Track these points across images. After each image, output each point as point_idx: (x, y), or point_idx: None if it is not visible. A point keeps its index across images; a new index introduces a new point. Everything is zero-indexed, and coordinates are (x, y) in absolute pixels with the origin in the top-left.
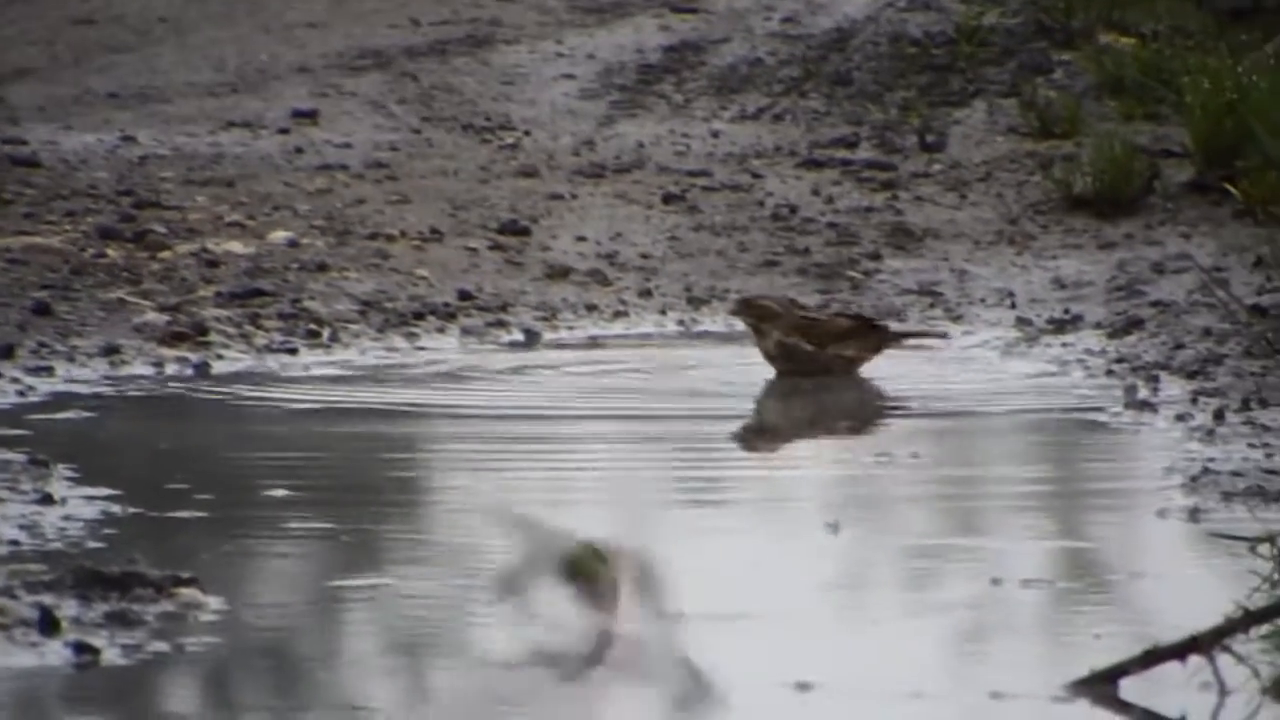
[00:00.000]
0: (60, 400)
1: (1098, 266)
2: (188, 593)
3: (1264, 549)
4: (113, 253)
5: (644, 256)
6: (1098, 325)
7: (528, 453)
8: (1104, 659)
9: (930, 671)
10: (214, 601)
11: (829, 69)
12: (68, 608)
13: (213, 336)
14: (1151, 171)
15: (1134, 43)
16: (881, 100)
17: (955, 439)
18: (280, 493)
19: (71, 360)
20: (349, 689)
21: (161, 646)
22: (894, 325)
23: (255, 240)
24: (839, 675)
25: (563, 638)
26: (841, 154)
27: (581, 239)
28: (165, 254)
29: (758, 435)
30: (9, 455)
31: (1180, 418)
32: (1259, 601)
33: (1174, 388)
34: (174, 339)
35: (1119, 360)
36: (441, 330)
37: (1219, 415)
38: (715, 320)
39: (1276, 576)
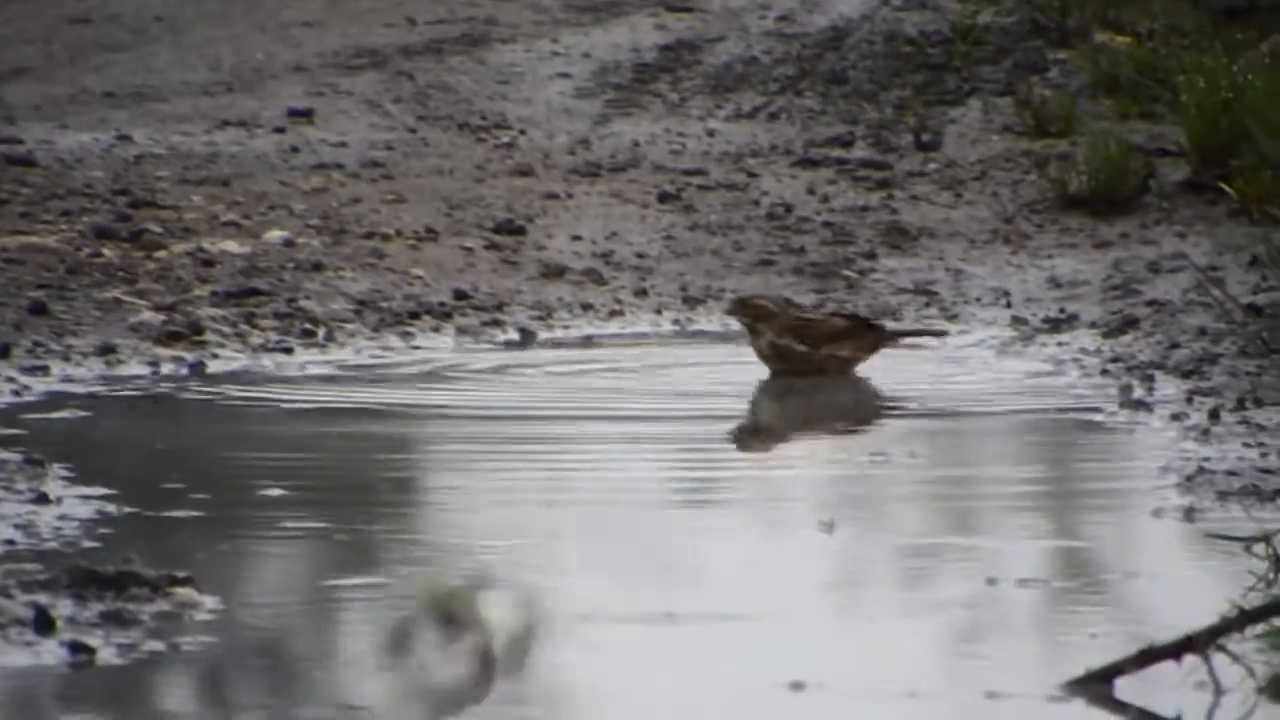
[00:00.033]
0: (56, 400)
1: (1093, 266)
2: (183, 592)
3: (1259, 548)
4: (108, 252)
5: (639, 256)
6: (1093, 324)
7: (522, 453)
8: (1099, 658)
9: (925, 671)
10: (209, 601)
11: (824, 68)
12: (63, 607)
13: (208, 336)
14: (1147, 170)
15: (1129, 41)
16: (877, 99)
17: (950, 438)
18: (275, 492)
19: (67, 360)
20: (343, 688)
21: (157, 646)
22: (890, 324)
23: (251, 240)
24: (834, 675)
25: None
26: (837, 153)
27: (577, 238)
28: (161, 253)
29: (753, 435)
30: (4, 455)
31: (1175, 417)
32: (1254, 601)
33: (1169, 387)
34: (169, 338)
35: (1114, 360)
36: (437, 330)
37: (1214, 415)
38: (711, 319)
39: (1271, 576)
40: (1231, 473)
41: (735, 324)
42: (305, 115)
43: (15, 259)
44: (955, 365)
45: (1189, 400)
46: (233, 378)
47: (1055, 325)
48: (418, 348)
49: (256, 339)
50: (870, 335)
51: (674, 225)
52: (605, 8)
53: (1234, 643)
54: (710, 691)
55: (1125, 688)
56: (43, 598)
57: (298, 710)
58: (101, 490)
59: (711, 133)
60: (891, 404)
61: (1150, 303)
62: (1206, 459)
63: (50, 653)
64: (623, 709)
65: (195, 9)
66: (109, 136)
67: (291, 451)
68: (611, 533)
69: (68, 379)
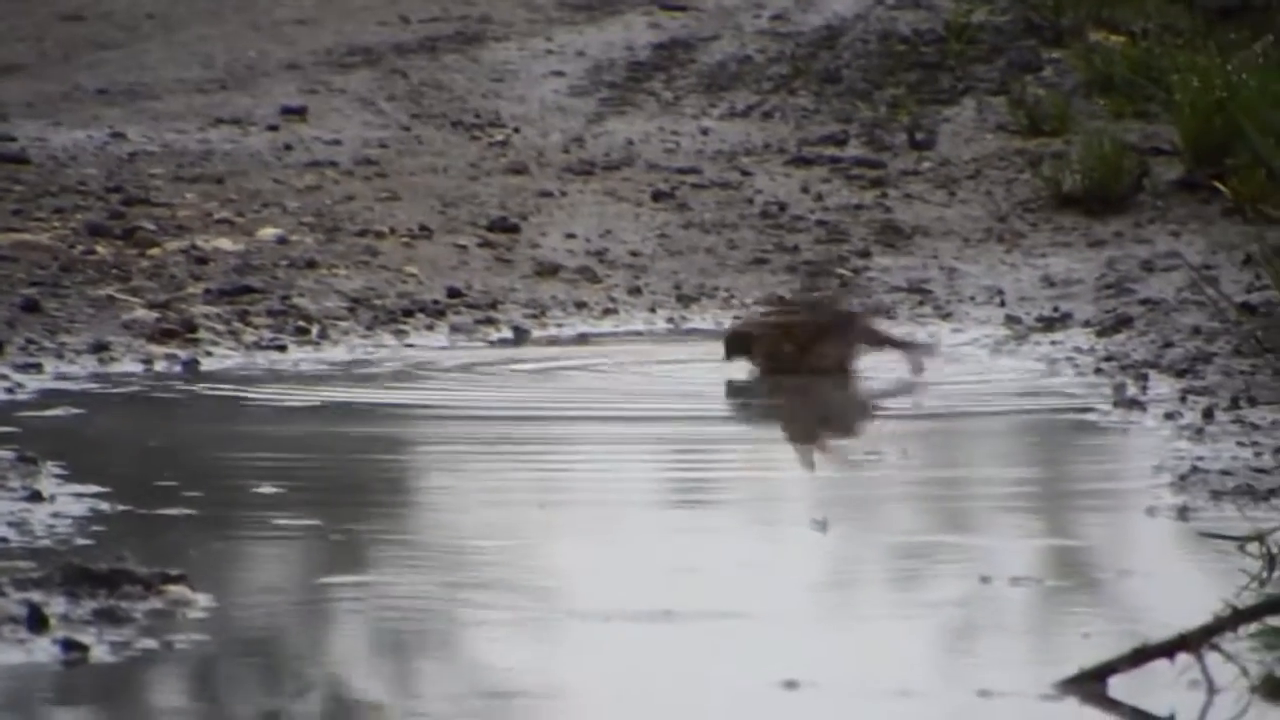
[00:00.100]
0: (49, 397)
1: (1087, 264)
2: (176, 590)
3: (1253, 547)
4: (102, 250)
5: (633, 254)
6: (1087, 323)
7: (516, 453)
8: (1093, 657)
9: (918, 670)
10: (202, 599)
11: (818, 66)
12: (56, 605)
13: (202, 333)
14: (1141, 169)
15: (1123, 41)
16: (871, 98)
17: (944, 437)
18: (269, 490)
19: (60, 357)
20: (337, 686)
21: (150, 644)
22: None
23: (244, 237)
24: (826, 674)
25: None
26: (831, 151)
27: (571, 236)
28: (154, 251)
29: (745, 434)
30: None
31: (1169, 416)
32: (1248, 600)
33: (1163, 386)
34: (163, 336)
35: (1108, 358)
36: (430, 328)
37: (1208, 414)
38: (705, 318)
39: (1265, 575)
40: (1225, 472)
41: (729, 323)
42: (299, 113)
43: (8, 256)
44: (949, 364)
45: (1183, 399)
46: (226, 375)
47: (1049, 324)
48: (411, 346)
49: (250, 337)
50: (856, 328)
51: (668, 224)
52: (599, 6)
53: (1228, 642)
54: (703, 690)
55: (1119, 686)
56: (36, 595)
57: (290, 708)
58: (95, 488)
59: (705, 131)
60: (884, 403)
61: (1144, 302)
62: (1200, 458)
63: (43, 650)
64: (616, 707)
65: (188, 6)
66: (102, 134)
67: (285, 449)
68: (605, 532)
69: (61, 376)
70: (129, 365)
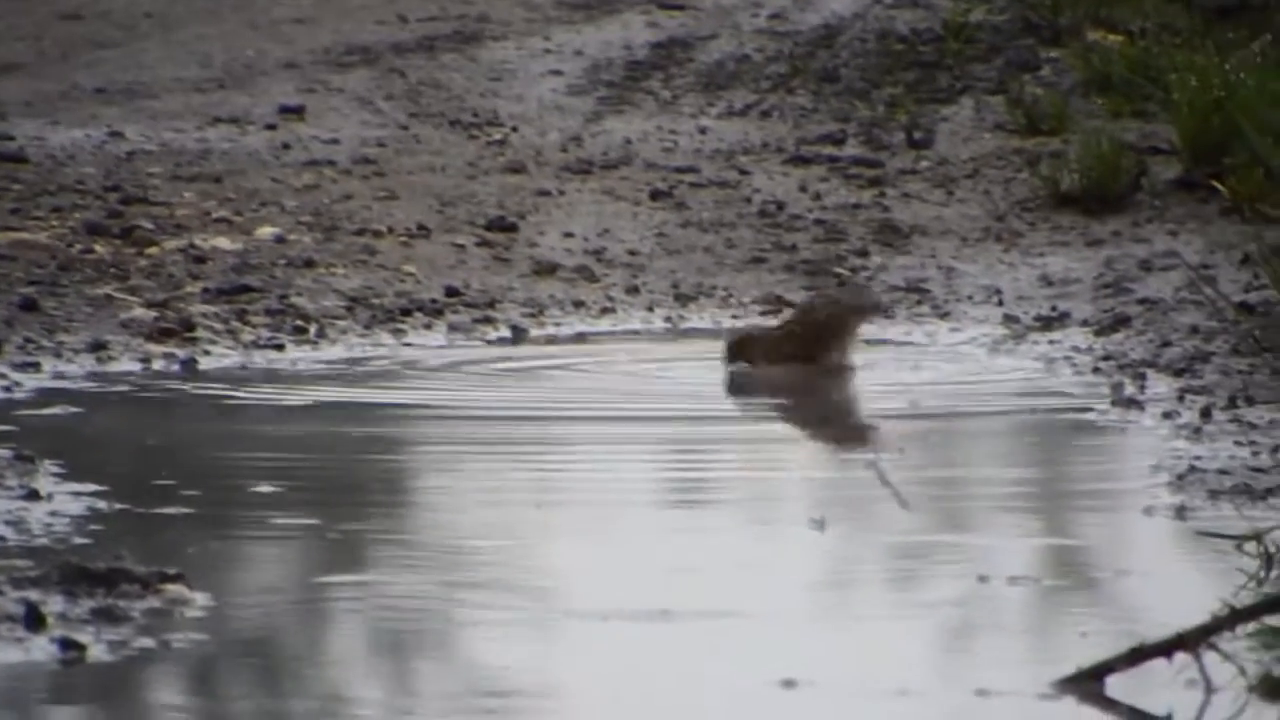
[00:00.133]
0: (47, 396)
1: (1085, 264)
2: (174, 589)
3: (1250, 547)
4: (100, 249)
5: (631, 253)
6: (1085, 323)
7: (514, 452)
8: (1090, 656)
9: (916, 669)
10: (200, 598)
11: (816, 66)
12: (53, 604)
13: (200, 332)
14: (1139, 169)
15: (1121, 40)
16: (869, 97)
17: (942, 436)
18: (266, 489)
19: (58, 356)
20: (334, 685)
21: (147, 642)
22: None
23: (242, 236)
24: (824, 673)
25: None
26: (829, 150)
27: (569, 235)
28: (152, 250)
29: (742, 433)
30: None
31: (1167, 415)
32: (1245, 599)
33: (1161, 385)
34: (161, 335)
35: (1106, 358)
36: (428, 327)
37: (1206, 413)
38: (702, 317)
39: (1263, 574)
40: (1223, 471)
41: (727, 321)
42: (297, 112)
43: (6, 255)
44: (947, 363)
45: (1181, 398)
46: (224, 374)
47: (1047, 323)
48: (409, 345)
49: (248, 336)
50: (852, 318)
51: (666, 223)
52: (597, 5)
53: (1225, 641)
54: (702, 690)
55: (1116, 686)
56: (33, 594)
57: (287, 706)
58: (92, 487)
59: (703, 130)
60: (882, 402)
61: (1142, 301)
62: (1198, 457)
63: (41, 649)
64: (614, 707)
65: (186, 6)
66: (100, 133)
67: (283, 449)
68: (603, 532)
69: (59, 375)
70: (127, 364)
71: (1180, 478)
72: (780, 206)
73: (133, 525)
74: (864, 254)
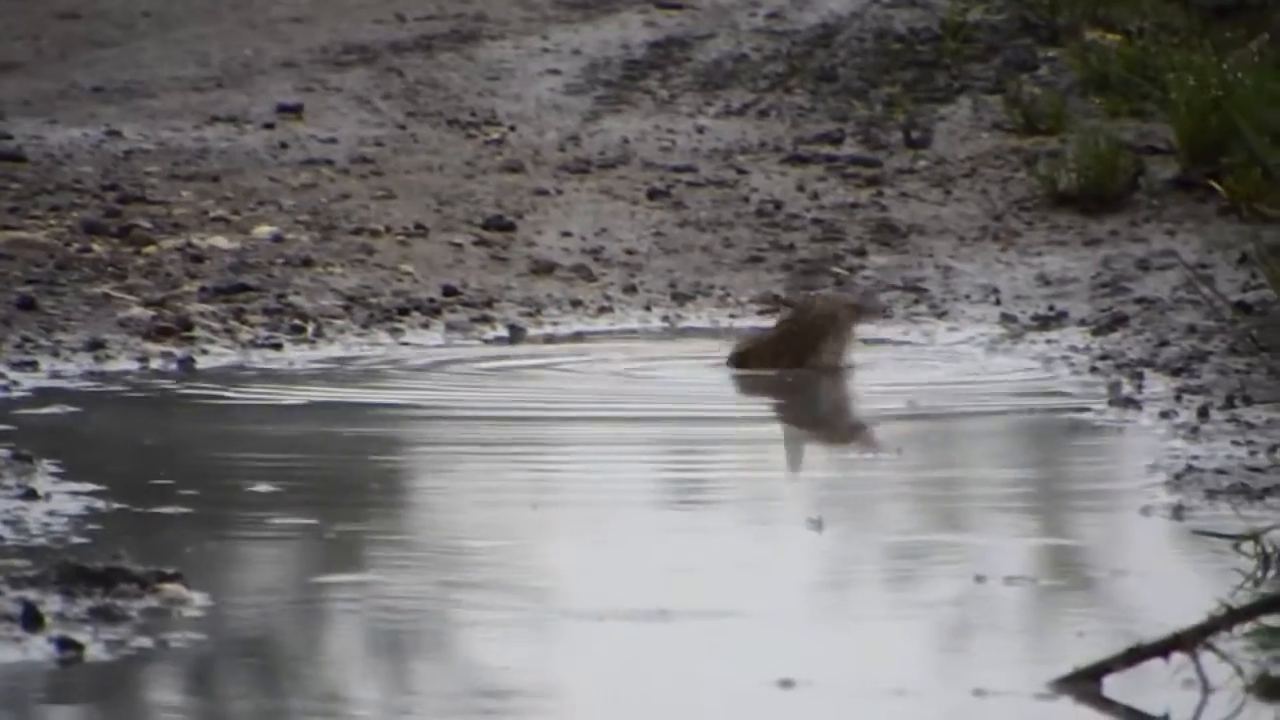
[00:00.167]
0: (44, 395)
1: (1082, 263)
2: (172, 588)
3: (1248, 546)
4: (97, 247)
5: (629, 252)
6: (1082, 322)
7: (511, 453)
8: (1087, 656)
9: (913, 669)
10: (198, 597)
11: (814, 65)
12: (51, 603)
13: (197, 332)
14: (1136, 168)
15: (1119, 39)
16: (866, 96)
17: (939, 436)
18: (265, 489)
19: (56, 355)
20: (332, 685)
21: (145, 642)
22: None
23: (240, 235)
24: (822, 673)
25: None
26: (826, 150)
27: (566, 235)
28: (150, 249)
29: (740, 433)
30: None
31: (1164, 415)
32: (1243, 599)
33: (1158, 385)
34: (159, 334)
35: (1103, 357)
36: (426, 326)
37: (1203, 412)
38: (700, 316)
39: (1260, 574)
40: (1220, 471)
41: (724, 321)
42: (294, 111)
43: (4, 254)
44: (944, 362)
45: (1178, 398)
46: (222, 374)
47: (1044, 323)
48: (406, 344)
49: (246, 335)
50: (849, 316)
51: (663, 222)
52: (595, 4)
53: (1222, 641)
54: (698, 690)
55: (1113, 686)
56: (31, 594)
57: (285, 706)
58: (90, 486)
59: (701, 130)
60: (880, 401)
61: (1139, 300)
62: (1195, 457)
63: (39, 649)
64: (611, 706)
65: (184, 5)
66: (98, 132)
67: (281, 448)
68: (600, 532)
69: (56, 374)
70: (125, 363)
71: (1177, 477)
72: (778, 206)
73: (131, 525)
74: (861, 253)
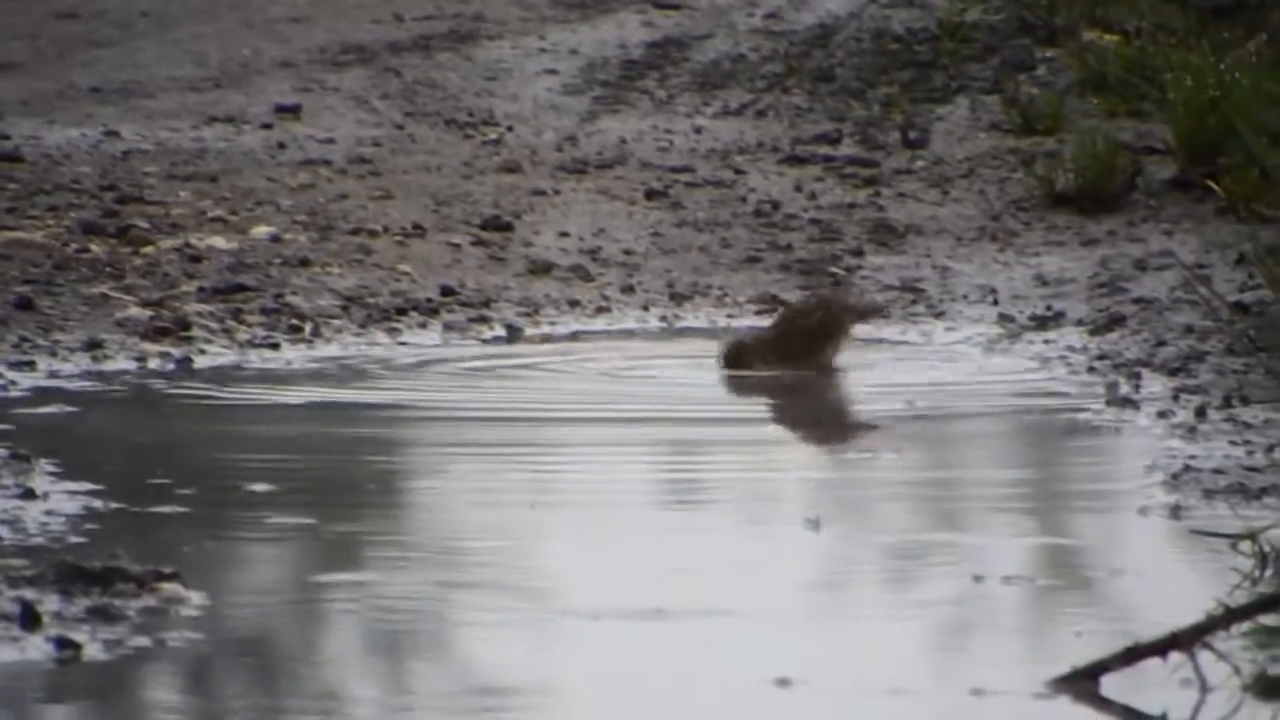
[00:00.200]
0: (42, 395)
1: (1080, 263)
2: (169, 588)
3: (1245, 546)
4: (95, 248)
5: (626, 252)
6: (1080, 322)
7: (509, 453)
8: (1085, 656)
9: (911, 668)
10: (195, 597)
11: (812, 65)
12: (49, 602)
13: (195, 331)
14: (1134, 168)
15: (1117, 40)
16: (864, 96)
17: (937, 436)
18: (262, 488)
19: (54, 355)
20: (329, 684)
21: (143, 641)
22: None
23: (238, 235)
24: (819, 672)
25: None
26: (824, 150)
27: (564, 235)
28: (148, 249)
29: (737, 433)
30: None
31: (1162, 415)
32: (1240, 598)
33: (1156, 385)
34: (156, 334)
35: (1101, 357)
36: (423, 326)
37: (1201, 412)
38: (698, 316)
39: (1257, 573)
40: (1218, 470)
41: (722, 321)
42: (292, 111)
43: (2, 254)
44: (942, 363)
45: (1175, 398)
46: (220, 374)
47: (1042, 323)
48: (404, 344)
49: (243, 335)
50: (842, 316)
51: (661, 222)
52: (593, 4)
53: (1220, 640)
54: (695, 688)
55: (1111, 685)
56: (29, 593)
57: (282, 705)
58: (88, 485)
59: (699, 130)
60: (878, 401)
61: (1137, 300)
62: (1193, 457)
63: (36, 648)
64: (609, 705)
65: (181, 5)
66: (96, 132)
67: (278, 448)
68: (598, 532)
69: (54, 374)
70: (122, 363)
71: (1175, 477)
72: (775, 206)
73: (128, 524)
74: (859, 253)
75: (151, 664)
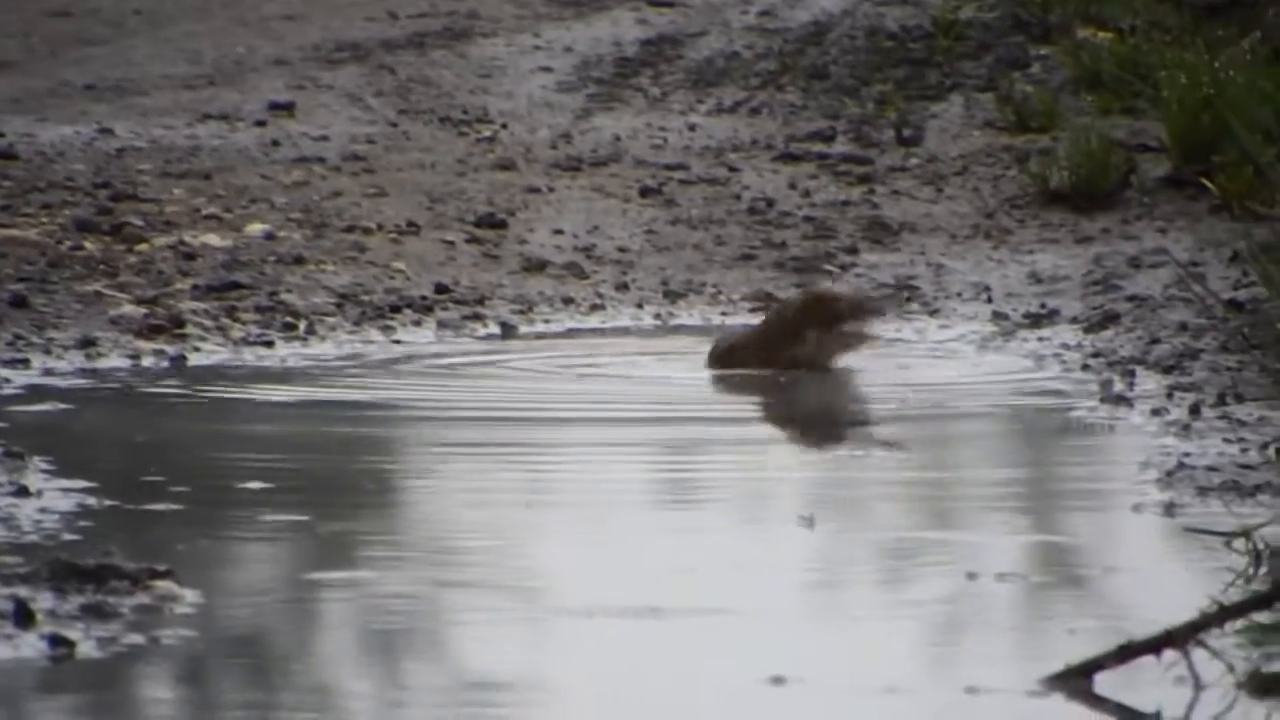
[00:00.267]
0: (36, 392)
1: (1074, 261)
2: (163, 585)
3: (1239, 544)
4: (89, 245)
5: (621, 250)
6: (1074, 320)
7: (505, 453)
8: (1079, 654)
9: (905, 666)
10: (189, 594)
11: (806, 63)
12: (43, 600)
13: (189, 329)
14: (1128, 166)
15: (1111, 37)
16: (858, 94)
17: (930, 433)
18: (257, 486)
19: (48, 353)
20: (323, 681)
21: (137, 639)
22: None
23: (232, 233)
24: (813, 670)
25: None
26: (818, 147)
27: (558, 232)
28: (142, 247)
29: (731, 432)
30: None
31: (1156, 412)
32: (1234, 596)
33: (1150, 382)
34: (150, 331)
35: (1095, 355)
36: (418, 323)
37: (1195, 410)
38: (692, 314)
39: (1251, 571)
40: (1212, 468)
41: (716, 319)
42: (286, 109)
43: None
44: (936, 360)
45: (1169, 395)
46: (214, 371)
47: (1036, 320)
48: (398, 342)
49: (238, 332)
50: (827, 311)
51: (655, 219)
52: (587, 2)
53: (1214, 638)
54: (690, 686)
55: (1105, 683)
56: (22, 591)
57: (276, 702)
58: (82, 483)
59: (693, 127)
60: (871, 399)
61: (1131, 298)
62: (1187, 454)
63: (30, 646)
64: (603, 703)
65: (175, 2)
66: (90, 130)
67: (272, 446)
68: (593, 531)
69: (48, 372)
70: (116, 361)
71: (1169, 475)
72: (770, 203)
73: (122, 522)
74: (853, 251)
75: (145, 662)
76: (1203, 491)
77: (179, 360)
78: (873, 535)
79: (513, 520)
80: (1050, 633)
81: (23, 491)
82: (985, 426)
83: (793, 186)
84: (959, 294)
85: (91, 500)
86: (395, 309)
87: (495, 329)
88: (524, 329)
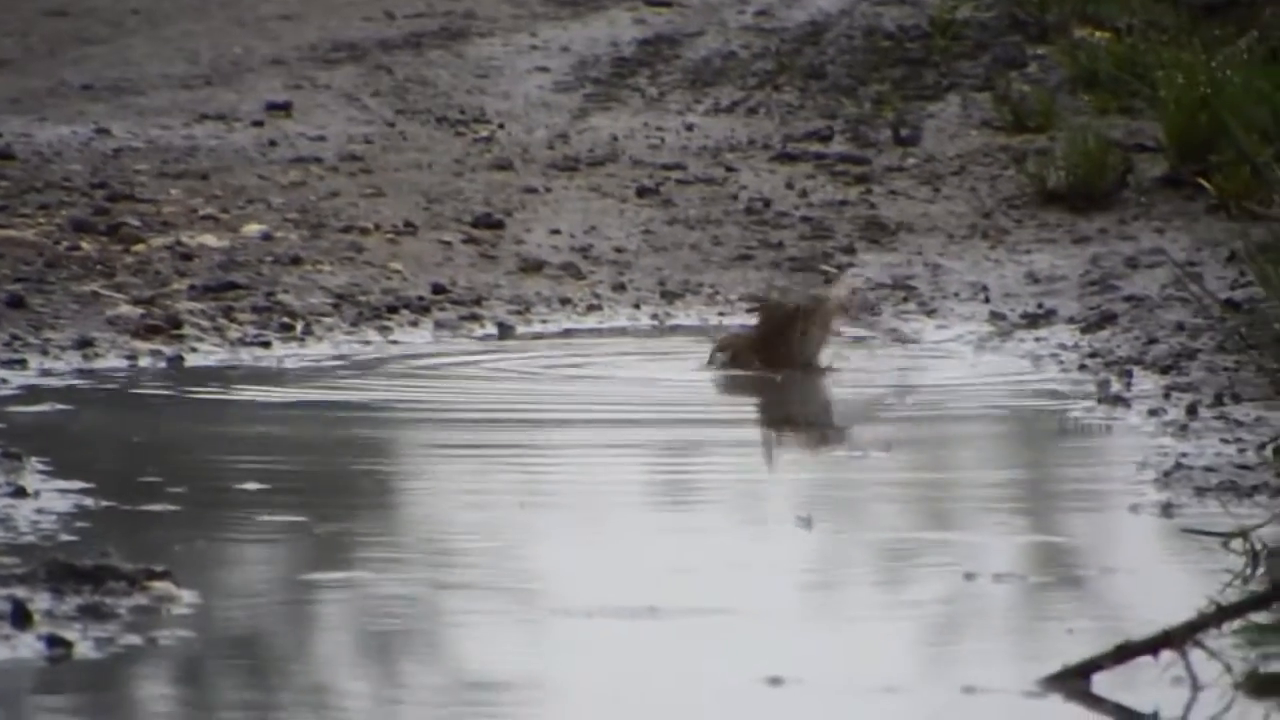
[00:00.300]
0: (33, 393)
1: (1071, 261)
2: (160, 586)
3: (1236, 544)
4: (86, 246)
5: (618, 250)
6: (1071, 320)
7: (502, 453)
8: (1077, 654)
9: (902, 666)
10: (187, 595)
11: (803, 62)
12: (40, 601)
13: (186, 330)
14: (1125, 166)
15: (1108, 37)
16: (855, 94)
17: (928, 434)
18: (254, 487)
19: (45, 353)
20: (320, 682)
21: (134, 640)
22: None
23: (229, 233)
24: (811, 670)
25: None
26: (815, 147)
27: (555, 232)
28: (139, 247)
29: (728, 432)
30: None
31: (1153, 413)
32: (1231, 596)
33: (1147, 382)
34: (148, 332)
35: (1092, 355)
36: (415, 324)
37: (1192, 410)
38: (689, 314)
39: (1249, 571)
40: (1209, 468)
41: (713, 320)
42: (283, 109)
43: None
44: (933, 360)
45: (1167, 396)
46: (211, 372)
47: (1033, 320)
48: (395, 342)
49: (234, 333)
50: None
51: (652, 220)
52: (584, 2)
53: (1212, 639)
54: (688, 687)
55: (1102, 683)
56: (20, 591)
57: (273, 702)
58: (79, 484)
59: (690, 127)
60: (868, 399)
61: (1128, 298)
62: (1184, 454)
63: (27, 646)
64: (601, 703)
65: (173, 2)
66: (87, 130)
67: (270, 447)
68: (590, 531)
69: (45, 372)
70: (113, 361)
71: (1166, 475)
72: (767, 204)
73: (120, 522)
74: (850, 251)
75: (143, 662)
76: (1200, 492)
77: (176, 361)
78: (870, 536)
79: (511, 521)
80: (1048, 633)
81: (20, 492)
82: (982, 427)
83: (790, 186)
84: (956, 294)
85: (89, 501)
86: (392, 309)
87: (492, 329)
88: (521, 329)
